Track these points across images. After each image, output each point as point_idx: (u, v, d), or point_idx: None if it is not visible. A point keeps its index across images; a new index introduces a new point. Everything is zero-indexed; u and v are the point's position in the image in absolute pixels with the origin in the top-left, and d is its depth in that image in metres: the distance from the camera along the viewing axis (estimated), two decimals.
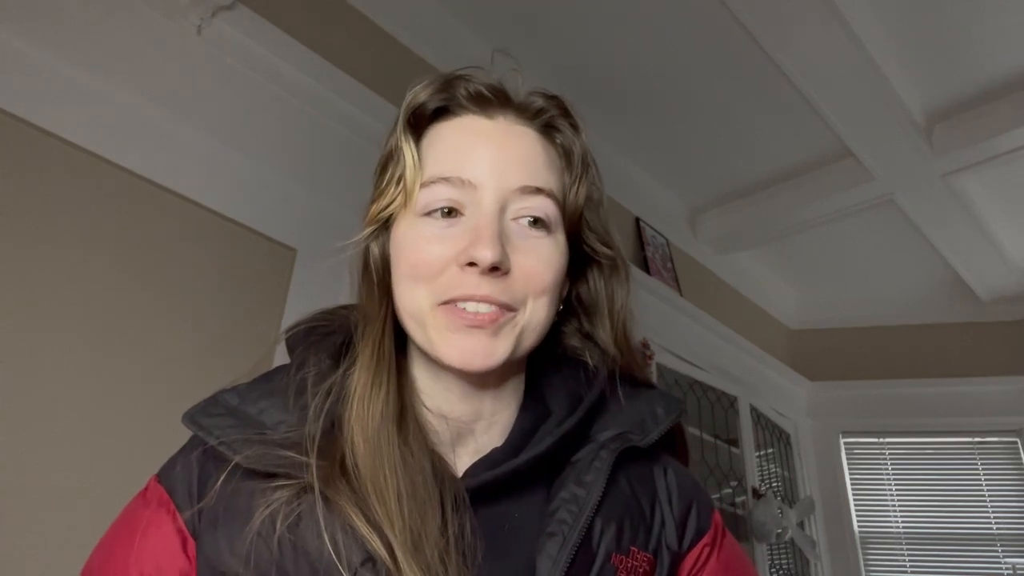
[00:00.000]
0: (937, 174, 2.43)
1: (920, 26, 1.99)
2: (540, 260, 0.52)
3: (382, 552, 0.44)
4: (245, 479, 0.48)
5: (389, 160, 0.55)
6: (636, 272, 2.40)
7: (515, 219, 0.52)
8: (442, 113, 0.56)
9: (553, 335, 0.61)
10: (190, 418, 0.51)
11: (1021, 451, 3.06)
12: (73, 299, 1.20)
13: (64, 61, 1.27)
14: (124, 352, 1.24)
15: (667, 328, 2.50)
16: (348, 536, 0.45)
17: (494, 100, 0.55)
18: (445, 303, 0.51)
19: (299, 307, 1.43)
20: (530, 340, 0.53)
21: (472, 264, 0.49)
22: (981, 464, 3.10)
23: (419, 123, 0.56)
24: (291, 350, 0.57)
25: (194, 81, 1.45)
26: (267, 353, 0.63)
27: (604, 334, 0.60)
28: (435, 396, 0.55)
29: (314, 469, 0.46)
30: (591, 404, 0.56)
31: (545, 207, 0.53)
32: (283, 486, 0.46)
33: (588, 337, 0.61)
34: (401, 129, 0.55)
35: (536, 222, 0.53)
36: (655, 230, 2.77)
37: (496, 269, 0.50)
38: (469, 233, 0.50)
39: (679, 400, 0.60)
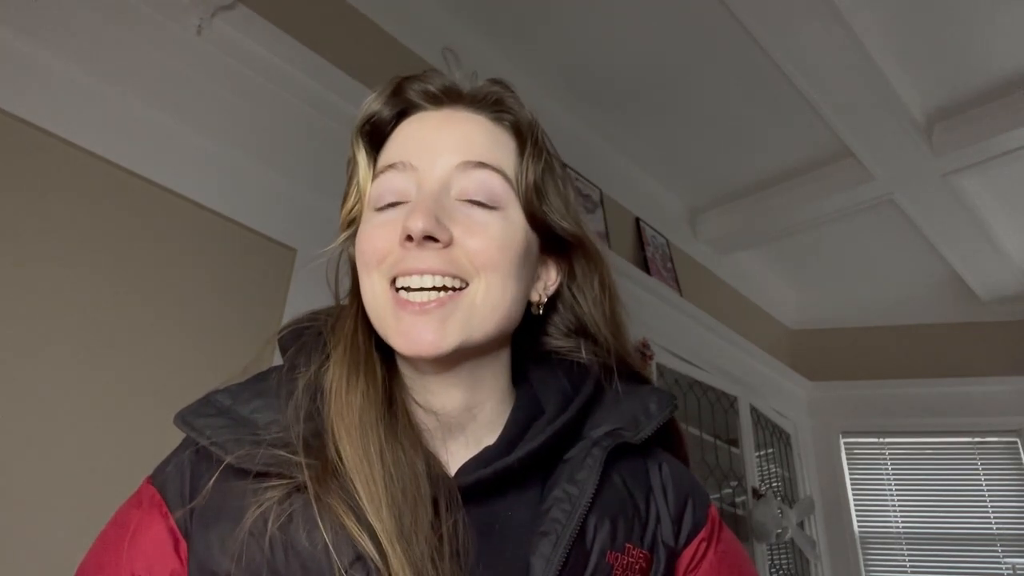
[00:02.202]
0: (937, 174, 2.43)
1: (920, 26, 1.99)
2: (486, 234, 0.52)
3: (371, 551, 0.43)
4: (237, 479, 0.48)
5: (348, 167, 0.59)
6: (636, 272, 2.40)
7: (460, 198, 0.53)
8: (403, 117, 0.58)
9: (542, 331, 0.61)
10: (182, 419, 0.51)
11: (1021, 451, 3.05)
12: (73, 299, 1.20)
13: (64, 61, 1.27)
14: (124, 352, 1.24)
15: (667, 328, 2.50)
16: (338, 535, 0.44)
17: (441, 95, 0.57)
18: (394, 285, 0.52)
19: (299, 307, 1.41)
20: (488, 324, 0.52)
21: (410, 239, 0.50)
22: (981, 464, 3.10)
23: (382, 130, 0.58)
24: (283, 351, 0.58)
25: (194, 81, 1.45)
26: (260, 353, 0.64)
27: (590, 323, 0.59)
28: (419, 391, 0.55)
29: (304, 468, 0.46)
30: (584, 401, 0.56)
31: (488, 181, 0.53)
32: (274, 486, 0.46)
33: (580, 332, 0.61)
34: (353, 136, 0.58)
35: (480, 197, 0.53)
36: (655, 230, 2.77)
37: (434, 240, 0.50)
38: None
39: (672, 396, 0.59)
